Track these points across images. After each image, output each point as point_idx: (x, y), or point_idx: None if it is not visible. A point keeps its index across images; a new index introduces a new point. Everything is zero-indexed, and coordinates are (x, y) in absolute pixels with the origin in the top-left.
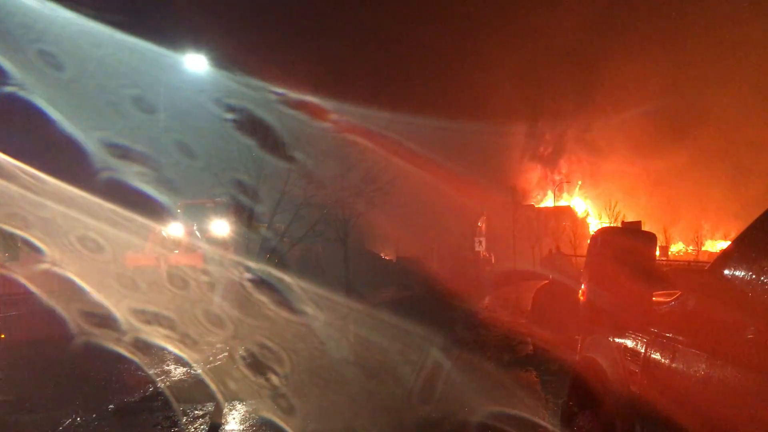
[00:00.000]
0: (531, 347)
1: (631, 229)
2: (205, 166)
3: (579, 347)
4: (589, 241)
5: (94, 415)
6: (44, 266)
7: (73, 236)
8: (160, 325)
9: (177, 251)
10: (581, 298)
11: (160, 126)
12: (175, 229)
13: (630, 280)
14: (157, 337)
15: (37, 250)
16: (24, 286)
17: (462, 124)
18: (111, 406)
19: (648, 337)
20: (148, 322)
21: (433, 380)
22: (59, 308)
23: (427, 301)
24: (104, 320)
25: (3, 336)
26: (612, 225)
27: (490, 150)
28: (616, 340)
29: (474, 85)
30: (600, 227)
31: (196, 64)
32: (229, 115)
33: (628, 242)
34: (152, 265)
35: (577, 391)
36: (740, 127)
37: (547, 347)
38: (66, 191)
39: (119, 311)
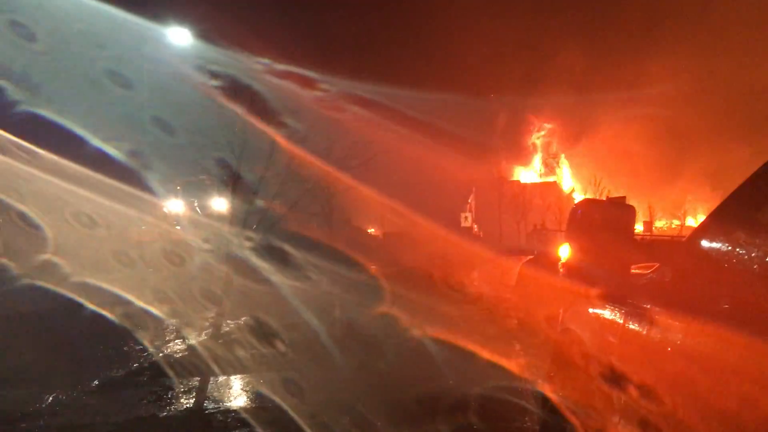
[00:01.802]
0: (515, 321)
1: (611, 202)
2: (187, 142)
3: (560, 319)
4: (569, 214)
5: (78, 390)
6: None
7: (71, 213)
8: (155, 298)
9: (179, 227)
10: (561, 269)
11: (138, 101)
12: (176, 206)
13: (608, 252)
14: (149, 308)
15: (35, 227)
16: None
17: (450, 97)
18: (96, 382)
19: (626, 308)
20: (143, 295)
21: (422, 357)
22: (48, 284)
23: (412, 276)
24: (95, 294)
25: None
26: (590, 198)
27: (476, 125)
28: (595, 311)
29: (464, 57)
30: (579, 201)
31: (179, 36)
32: (213, 83)
33: (607, 214)
34: (154, 240)
35: (558, 362)
36: (722, 109)
37: (531, 321)
38: (64, 167)
39: (113, 286)
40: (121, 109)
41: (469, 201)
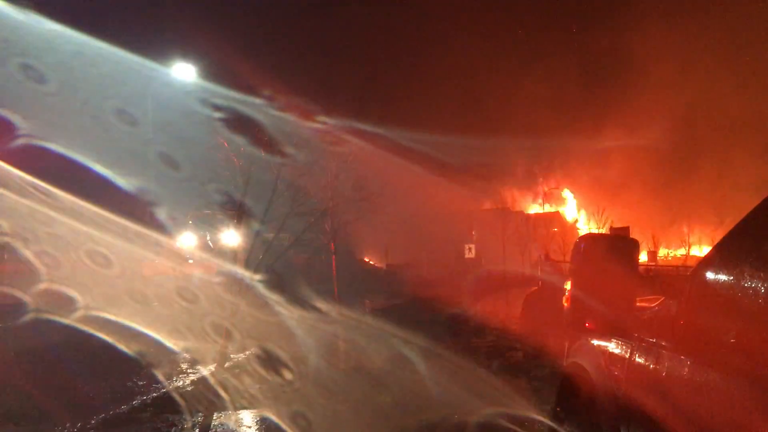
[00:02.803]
0: (521, 353)
1: (614, 236)
2: (192, 176)
3: (565, 353)
4: (573, 247)
5: (79, 428)
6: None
7: (85, 251)
8: (164, 332)
9: (191, 261)
10: (566, 303)
11: (143, 138)
12: (188, 240)
13: (613, 286)
14: (158, 341)
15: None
16: (12, 297)
17: (453, 132)
18: (97, 418)
19: (632, 343)
20: (152, 329)
21: (427, 386)
22: (54, 317)
23: (416, 308)
24: (105, 328)
25: None
26: (595, 231)
27: (479, 158)
28: (601, 345)
29: (467, 94)
30: (583, 234)
31: (184, 72)
32: (216, 116)
33: (611, 248)
34: (165, 275)
35: (565, 396)
36: (728, 138)
37: (537, 353)
38: (70, 204)
39: (124, 320)
40: (127, 145)
41: (473, 233)
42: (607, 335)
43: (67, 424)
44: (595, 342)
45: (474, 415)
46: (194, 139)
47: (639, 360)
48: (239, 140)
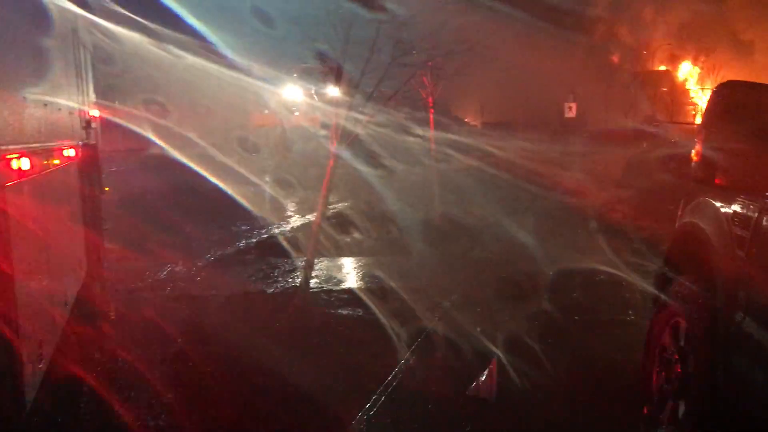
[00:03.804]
0: (620, 214)
1: (760, 85)
2: (285, 33)
3: (680, 212)
4: (708, 97)
5: (191, 264)
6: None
7: (196, 99)
8: (273, 181)
9: (297, 113)
10: (694, 158)
11: None
12: (294, 93)
13: (751, 140)
14: (263, 191)
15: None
16: (126, 143)
17: None
18: (209, 257)
19: (761, 203)
20: (260, 178)
21: (523, 242)
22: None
23: (506, 168)
24: (218, 171)
25: (108, 189)
26: (738, 80)
27: (589, 8)
28: (726, 204)
29: None
30: (725, 81)
31: None
32: None
33: (753, 98)
34: (273, 126)
35: (675, 256)
36: None
37: (637, 215)
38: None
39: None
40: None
41: (573, 92)
42: (734, 193)
43: (180, 264)
44: (717, 202)
45: (573, 265)
46: None
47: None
48: None
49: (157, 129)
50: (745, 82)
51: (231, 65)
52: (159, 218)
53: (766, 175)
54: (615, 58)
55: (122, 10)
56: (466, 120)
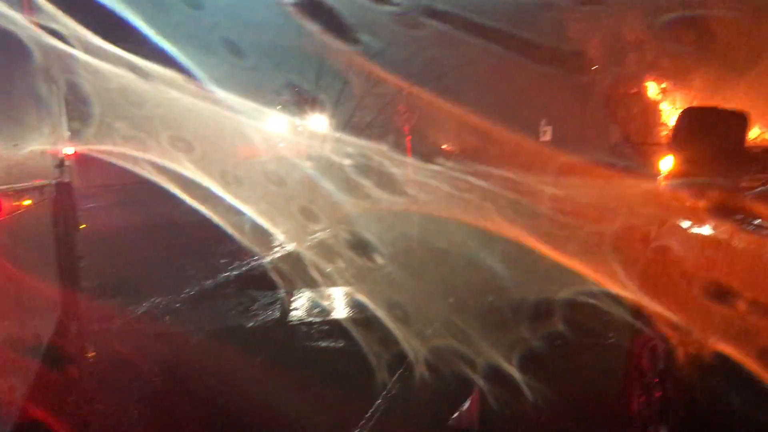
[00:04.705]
0: (597, 234)
1: (720, 110)
2: (262, 64)
3: (652, 235)
4: (674, 123)
5: (169, 299)
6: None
7: (179, 132)
8: (256, 212)
9: (282, 145)
10: (663, 182)
11: (209, 22)
12: (279, 125)
13: (717, 164)
14: (244, 222)
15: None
16: (103, 179)
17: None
18: (188, 291)
19: (733, 224)
20: (243, 209)
21: (508, 267)
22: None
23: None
24: (190, 210)
25: (85, 226)
26: (698, 106)
27: (561, 33)
28: (697, 226)
29: None
30: (685, 108)
31: None
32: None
33: (716, 123)
34: (258, 158)
35: (648, 282)
36: None
37: (615, 235)
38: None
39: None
40: (189, 30)
41: (548, 115)
42: (705, 216)
43: (157, 299)
44: (688, 224)
45: (556, 291)
46: (262, 25)
47: (740, 243)
48: (310, 26)
49: (138, 163)
50: (706, 108)
51: (213, 99)
52: (139, 253)
53: (731, 198)
54: (590, 80)
55: (99, 43)
56: (443, 147)
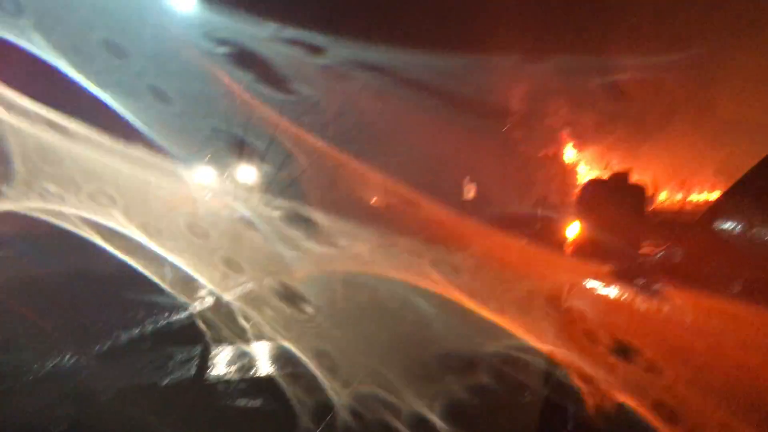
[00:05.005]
0: (520, 291)
1: (619, 183)
2: (191, 111)
3: (565, 296)
4: (577, 195)
5: (80, 356)
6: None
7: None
8: (175, 259)
9: (210, 195)
10: (570, 247)
11: (135, 69)
12: (207, 175)
13: (617, 232)
14: (162, 276)
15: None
16: (10, 226)
17: (460, 71)
18: (100, 347)
19: (635, 288)
20: (154, 261)
21: (436, 320)
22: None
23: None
24: (106, 261)
25: None
26: (600, 178)
27: (485, 95)
28: (602, 289)
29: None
30: (588, 180)
31: (183, 2)
32: (215, 48)
33: (616, 195)
34: (184, 209)
35: (563, 336)
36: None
37: (536, 293)
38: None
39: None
40: (116, 77)
41: (472, 174)
42: (609, 280)
43: (66, 355)
44: (595, 286)
45: (480, 345)
46: (191, 73)
47: (642, 305)
48: (240, 75)
49: (54, 214)
50: (604, 181)
51: (136, 153)
52: (50, 306)
53: (632, 263)
54: (512, 140)
55: (21, 102)
56: (371, 202)
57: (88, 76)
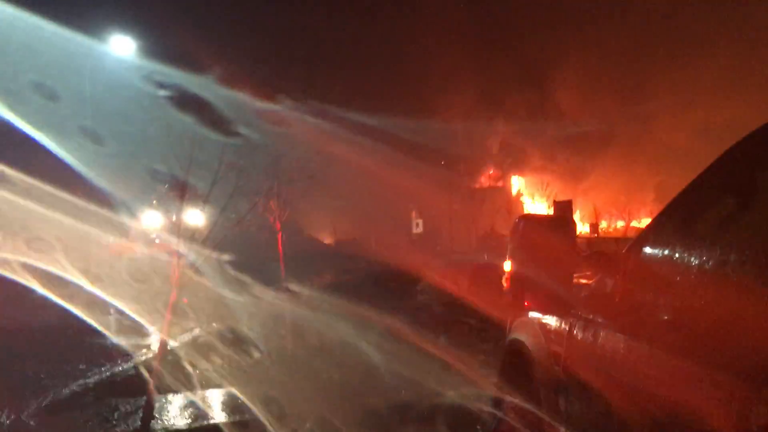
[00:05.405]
0: (467, 328)
1: (551, 216)
2: (121, 152)
3: (507, 329)
4: (511, 228)
5: (16, 413)
6: None
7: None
8: (114, 312)
9: (157, 241)
10: (505, 284)
11: (67, 112)
12: (153, 221)
13: (551, 265)
14: (106, 324)
15: None
16: None
17: (401, 109)
18: (40, 400)
19: (570, 320)
20: (100, 311)
21: (387, 367)
22: None
23: (365, 284)
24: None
25: None
26: (532, 213)
27: (429, 132)
28: (541, 322)
29: (422, 69)
30: (521, 214)
31: (122, 46)
32: (158, 92)
33: (548, 229)
34: (127, 257)
35: (507, 372)
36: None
37: (484, 326)
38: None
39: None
40: (46, 119)
41: (419, 208)
42: (546, 313)
43: (4, 413)
44: (535, 319)
45: (431, 392)
46: (133, 114)
47: (577, 336)
48: (180, 117)
49: None
50: (537, 214)
51: (73, 201)
52: None
53: (566, 294)
54: (456, 175)
55: None
56: (320, 239)
57: (21, 116)
